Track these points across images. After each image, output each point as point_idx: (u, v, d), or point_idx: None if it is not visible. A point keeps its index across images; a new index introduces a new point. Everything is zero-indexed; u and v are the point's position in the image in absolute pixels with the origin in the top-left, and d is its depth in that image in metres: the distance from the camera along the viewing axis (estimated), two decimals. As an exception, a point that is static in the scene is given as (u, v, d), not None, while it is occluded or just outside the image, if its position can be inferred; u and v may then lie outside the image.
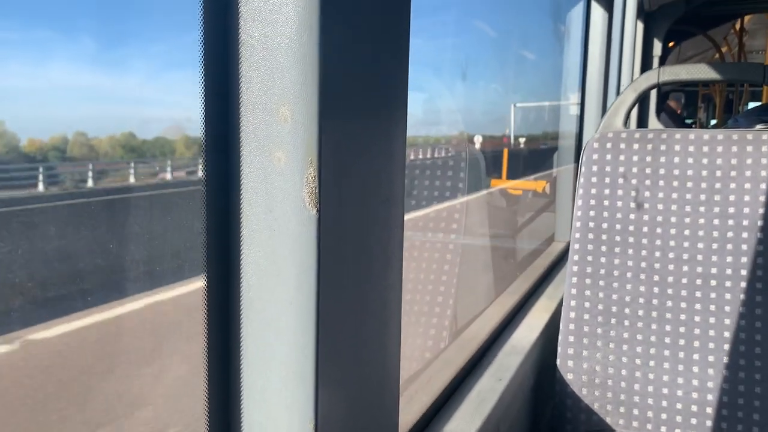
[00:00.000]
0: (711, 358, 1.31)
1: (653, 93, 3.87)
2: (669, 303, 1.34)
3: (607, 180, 1.41)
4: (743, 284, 1.30)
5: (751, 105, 9.64)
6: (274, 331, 0.53)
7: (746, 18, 5.61)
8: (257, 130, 0.51)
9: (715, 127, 8.52)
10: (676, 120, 5.46)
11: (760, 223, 1.29)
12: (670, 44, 4.80)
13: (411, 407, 1.01)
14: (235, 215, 0.53)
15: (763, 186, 1.30)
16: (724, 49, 6.62)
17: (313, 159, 0.49)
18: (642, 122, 4.09)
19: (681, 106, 6.30)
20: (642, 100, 3.44)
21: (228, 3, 0.51)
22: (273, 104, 0.50)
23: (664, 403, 1.33)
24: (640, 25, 3.94)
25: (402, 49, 0.60)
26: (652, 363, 1.35)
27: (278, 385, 0.53)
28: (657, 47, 4.10)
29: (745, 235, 1.30)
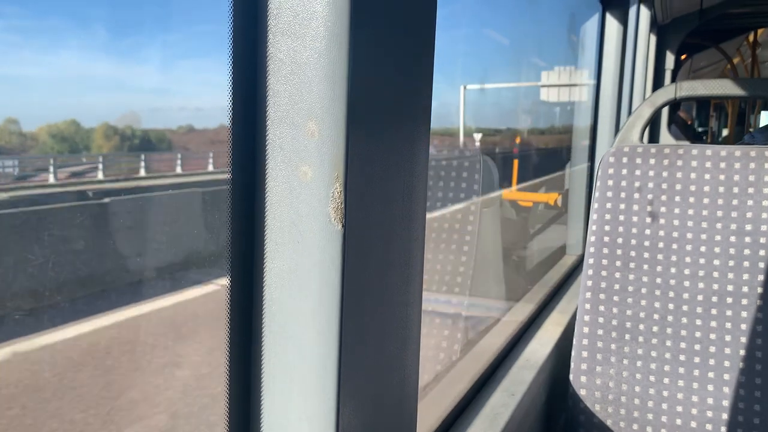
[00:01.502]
0: (726, 377, 1.29)
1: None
2: (684, 320, 1.33)
3: (623, 195, 1.40)
4: (759, 302, 1.28)
5: (764, 114, 9.55)
6: (296, 345, 0.53)
7: (759, 30, 5.59)
8: (284, 144, 0.51)
9: (726, 136, 8.45)
10: (686, 131, 5.44)
11: None
12: (683, 57, 4.79)
13: (427, 417, 1.01)
14: (260, 228, 0.53)
15: None
16: (736, 60, 6.59)
17: (339, 174, 0.49)
18: (654, 134, 4.08)
19: (691, 118, 6.27)
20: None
21: (257, 18, 0.51)
22: (300, 118, 0.50)
23: (678, 422, 1.32)
24: (653, 39, 3.93)
25: (427, 65, 0.60)
26: (666, 380, 1.34)
27: (299, 399, 0.53)
28: (670, 60, 4.10)
29: (762, 252, 1.29)
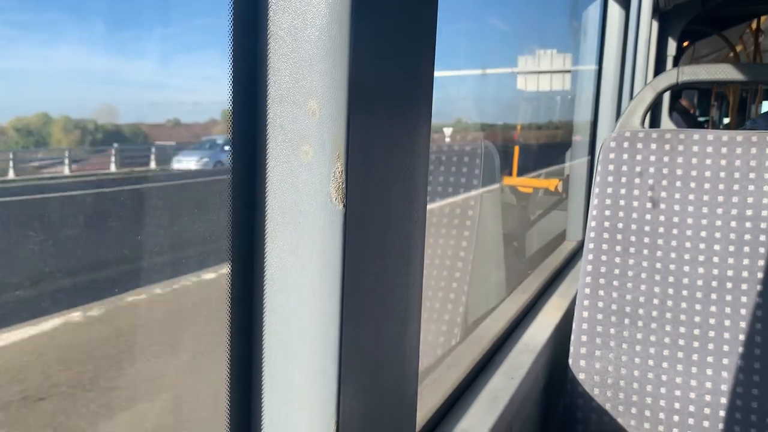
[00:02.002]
0: (725, 361, 1.30)
1: (667, 92, 3.83)
2: (683, 304, 1.34)
3: (624, 179, 1.40)
4: (759, 287, 1.28)
5: (766, 104, 9.49)
6: (297, 326, 0.53)
7: (762, 18, 5.55)
8: (285, 123, 0.51)
9: (728, 125, 8.42)
10: (688, 119, 5.42)
11: None
12: (685, 44, 4.75)
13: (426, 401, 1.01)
14: (261, 208, 0.53)
15: None
16: (738, 48, 6.55)
17: (340, 153, 0.49)
18: (655, 121, 4.06)
19: (693, 106, 6.24)
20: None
21: None
22: (301, 97, 0.50)
23: (677, 405, 1.32)
24: (655, 25, 3.91)
25: (428, 44, 0.60)
26: (665, 364, 1.34)
27: (300, 380, 0.53)
28: (672, 47, 4.07)
29: (762, 237, 1.29)
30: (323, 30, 0.48)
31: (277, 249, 0.53)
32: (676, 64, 4.10)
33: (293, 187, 0.51)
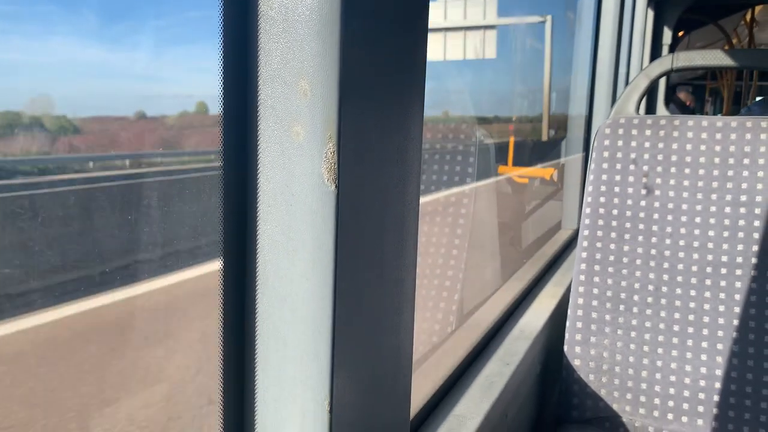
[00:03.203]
0: (720, 346, 1.30)
1: (662, 83, 3.83)
2: (678, 290, 1.34)
3: (619, 166, 1.40)
4: (754, 272, 1.29)
5: (759, 100, 9.45)
6: (290, 308, 0.53)
7: (757, 9, 5.54)
8: (276, 104, 0.50)
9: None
10: (684, 112, 5.42)
11: None
12: (680, 34, 4.74)
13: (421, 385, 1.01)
14: (252, 190, 0.53)
15: None
16: (734, 41, 6.55)
17: (332, 134, 0.48)
18: (650, 112, 4.06)
19: (691, 99, 6.24)
20: (651, 89, 3.41)
21: None
22: (292, 77, 0.49)
23: (672, 391, 1.33)
24: (651, 13, 3.90)
25: (421, 24, 0.59)
26: (660, 350, 1.35)
27: (293, 362, 0.53)
28: (667, 36, 4.06)
29: (756, 223, 1.29)
30: (314, 9, 0.48)
31: (269, 231, 0.53)
32: (671, 53, 4.09)
33: (285, 168, 0.51)
